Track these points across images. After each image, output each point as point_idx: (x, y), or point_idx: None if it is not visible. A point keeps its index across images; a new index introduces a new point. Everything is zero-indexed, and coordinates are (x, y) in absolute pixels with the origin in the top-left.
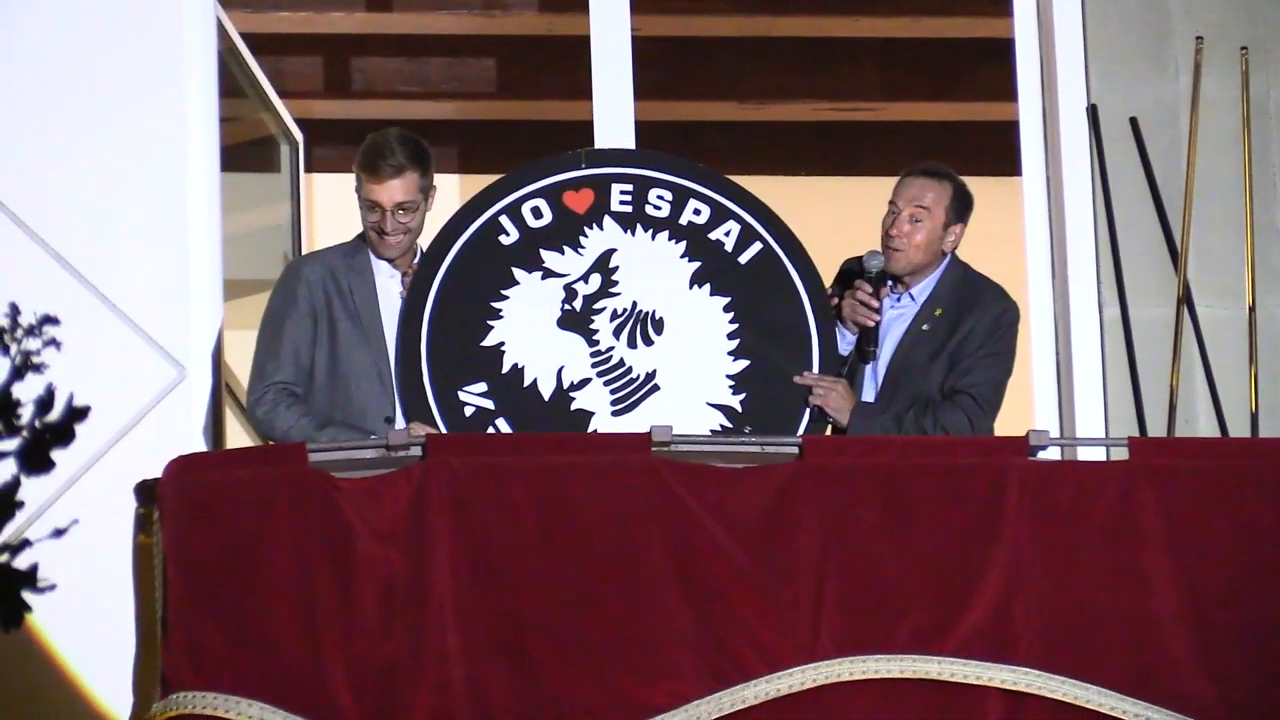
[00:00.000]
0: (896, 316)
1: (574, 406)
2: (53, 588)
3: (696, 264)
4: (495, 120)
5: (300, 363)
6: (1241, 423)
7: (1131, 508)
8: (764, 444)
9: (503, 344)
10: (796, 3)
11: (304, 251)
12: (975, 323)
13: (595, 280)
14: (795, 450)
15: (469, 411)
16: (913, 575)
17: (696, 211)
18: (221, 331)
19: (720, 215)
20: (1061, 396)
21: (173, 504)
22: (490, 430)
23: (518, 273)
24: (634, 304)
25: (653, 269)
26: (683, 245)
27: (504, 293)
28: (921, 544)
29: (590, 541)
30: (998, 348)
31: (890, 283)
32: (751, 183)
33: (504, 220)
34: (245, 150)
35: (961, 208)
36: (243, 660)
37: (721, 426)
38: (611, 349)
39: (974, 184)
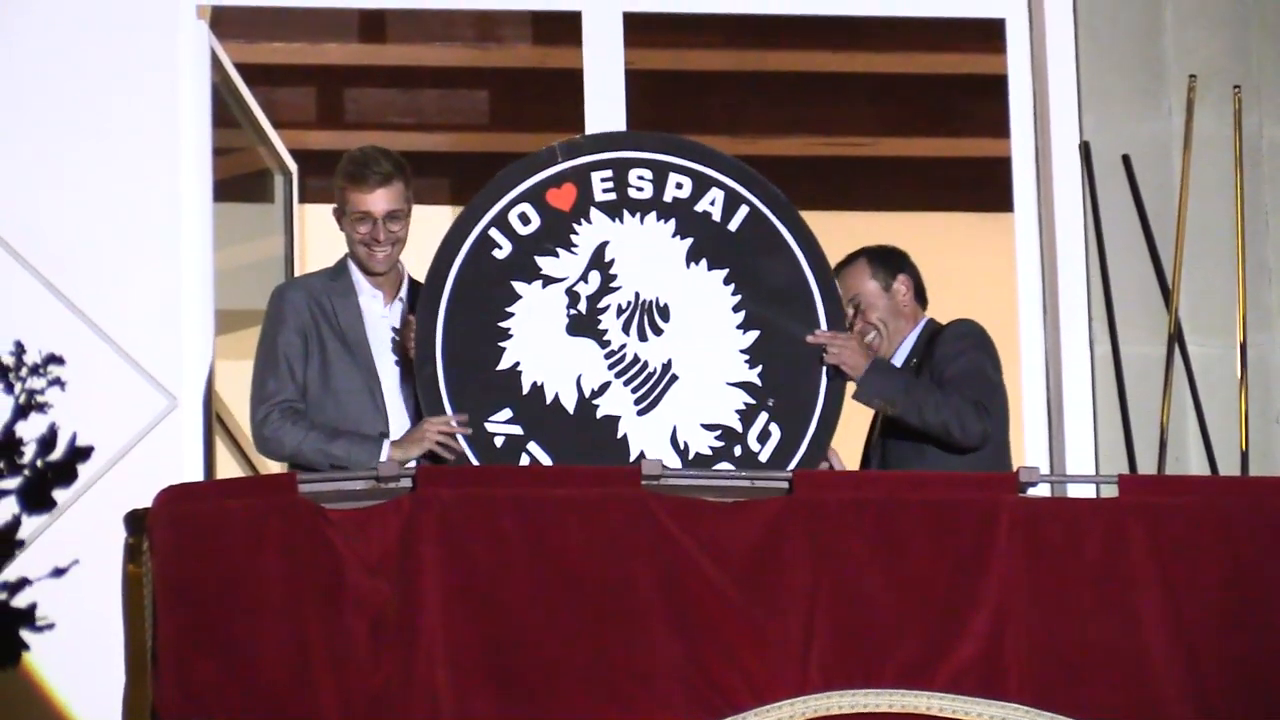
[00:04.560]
0: None
1: (599, 414)
2: (51, 626)
3: (689, 240)
4: (488, 152)
5: (297, 378)
6: (1232, 461)
7: (1121, 545)
8: (753, 478)
9: (518, 364)
10: (789, 37)
11: None
12: (936, 347)
13: (594, 278)
14: (785, 485)
15: (499, 442)
16: (903, 610)
17: (679, 185)
18: (213, 361)
19: (702, 185)
20: (1052, 433)
21: (163, 534)
22: (523, 457)
23: (518, 286)
24: (636, 294)
25: (647, 254)
26: (672, 223)
27: (508, 310)
28: (911, 579)
29: (580, 574)
30: (964, 345)
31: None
32: None
33: (494, 234)
34: (239, 181)
35: (884, 266)
36: (232, 691)
37: (745, 405)
38: (624, 346)
39: (965, 220)
